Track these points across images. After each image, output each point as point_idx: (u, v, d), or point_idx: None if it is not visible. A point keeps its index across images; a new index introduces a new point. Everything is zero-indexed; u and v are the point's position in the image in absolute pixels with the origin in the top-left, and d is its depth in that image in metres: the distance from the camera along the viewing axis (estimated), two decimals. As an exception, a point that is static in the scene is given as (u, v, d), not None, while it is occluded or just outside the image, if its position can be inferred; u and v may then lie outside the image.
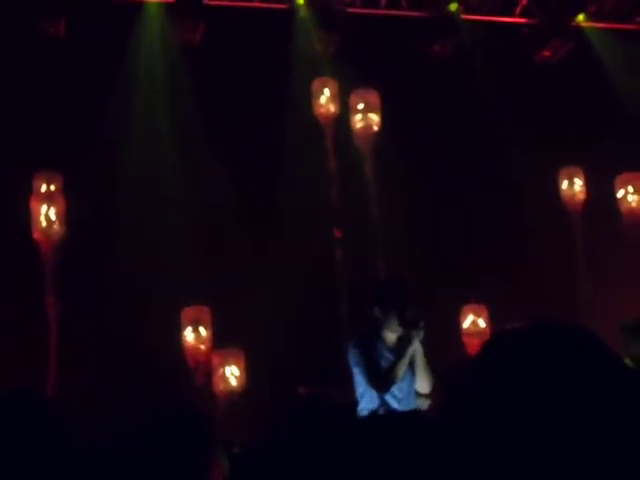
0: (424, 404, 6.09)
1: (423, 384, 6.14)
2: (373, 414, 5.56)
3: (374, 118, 9.37)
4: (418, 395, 6.18)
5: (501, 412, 1.30)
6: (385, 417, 2.39)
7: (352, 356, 6.16)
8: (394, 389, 6.10)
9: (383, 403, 6.08)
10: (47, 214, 8.53)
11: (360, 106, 9.39)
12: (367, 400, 6.10)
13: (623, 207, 9.85)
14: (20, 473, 2.30)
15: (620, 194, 9.87)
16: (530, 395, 1.29)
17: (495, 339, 1.47)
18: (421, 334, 6.08)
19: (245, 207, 9.03)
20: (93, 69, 8.88)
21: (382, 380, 6.07)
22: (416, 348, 6.09)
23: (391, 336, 6.19)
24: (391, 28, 9.77)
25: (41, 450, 2.36)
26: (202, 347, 8.52)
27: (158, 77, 9.44)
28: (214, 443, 3.19)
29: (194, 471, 3.02)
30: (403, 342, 6.14)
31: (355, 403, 6.13)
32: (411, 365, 6.15)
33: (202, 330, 8.54)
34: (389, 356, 6.16)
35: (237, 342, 8.48)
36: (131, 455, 2.88)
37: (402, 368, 6.07)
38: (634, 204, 9.84)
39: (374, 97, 9.38)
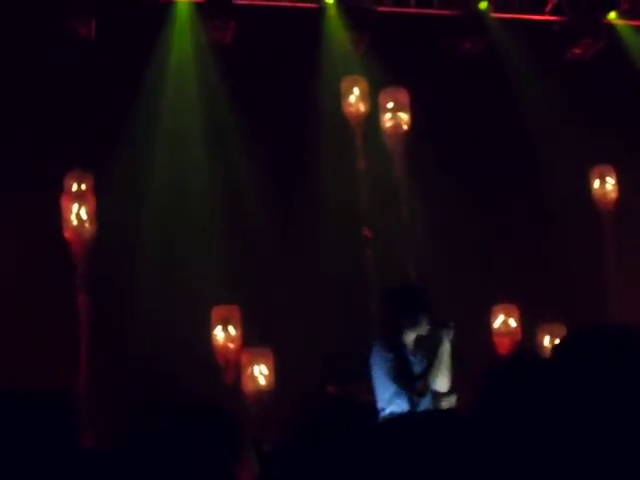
0: (451, 402, 6.07)
1: (442, 383, 6.15)
2: (401, 415, 5.55)
3: (404, 117, 9.34)
4: (436, 394, 6.17)
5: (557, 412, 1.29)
6: (413, 417, 2.38)
7: (375, 360, 6.16)
8: None
9: (399, 404, 6.05)
10: (78, 213, 8.58)
11: (390, 105, 9.35)
12: (384, 402, 6.07)
13: (656, 207, 9.78)
14: (42, 473, 2.32)
15: (653, 193, 9.80)
16: (584, 396, 1.27)
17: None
18: (451, 334, 6.11)
19: (275, 206, 9.05)
20: (123, 69, 8.92)
21: (417, 385, 6.09)
22: (445, 348, 6.11)
23: (412, 337, 6.21)
24: (421, 26, 9.74)
25: (64, 451, 2.37)
26: (231, 346, 8.54)
27: (188, 77, 9.47)
28: (243, 442, 3.20)
29: (223, 469, 3.03)
30: (432, 343, 6.15)
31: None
32: None
33: (231, 329, 8.56)
34: (411, 358, 6.18)
35: (266, 341, 8.48)
36: (161, 453, 2.89)
37: (437, 370, 6.11)
38: (667, 204, 9.76)
39: (403, 96, 9.34)
